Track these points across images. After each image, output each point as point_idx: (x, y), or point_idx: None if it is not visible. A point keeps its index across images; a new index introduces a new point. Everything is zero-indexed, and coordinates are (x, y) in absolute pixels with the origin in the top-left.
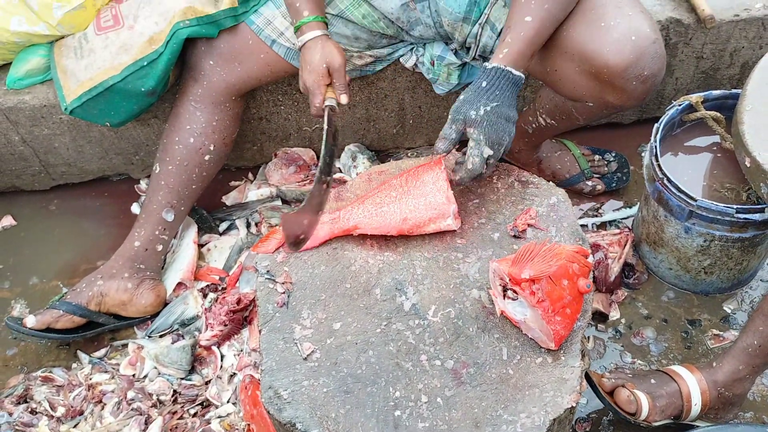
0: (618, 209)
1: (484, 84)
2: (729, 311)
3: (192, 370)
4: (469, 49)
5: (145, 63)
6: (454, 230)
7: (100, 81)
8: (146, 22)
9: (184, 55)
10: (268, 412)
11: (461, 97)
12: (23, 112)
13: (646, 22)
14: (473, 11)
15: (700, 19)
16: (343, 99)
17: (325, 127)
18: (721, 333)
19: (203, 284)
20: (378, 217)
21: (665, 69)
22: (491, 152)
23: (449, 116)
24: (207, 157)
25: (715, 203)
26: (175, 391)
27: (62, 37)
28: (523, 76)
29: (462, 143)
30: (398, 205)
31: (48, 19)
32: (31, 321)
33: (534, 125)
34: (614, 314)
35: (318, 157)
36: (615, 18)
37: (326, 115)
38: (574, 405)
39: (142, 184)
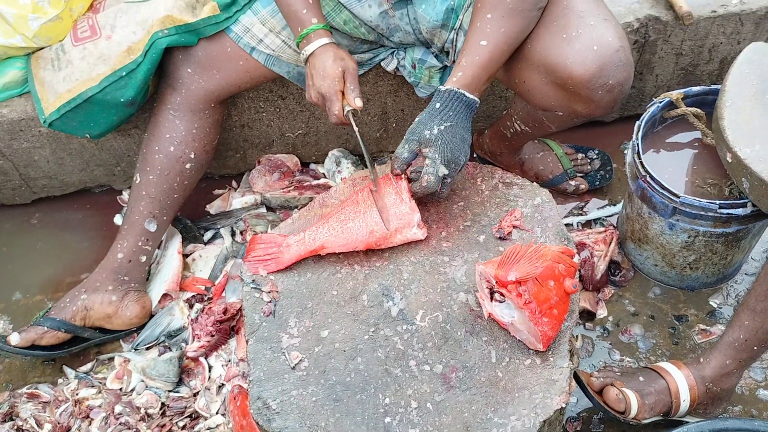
0: (602, 207)
1: (437, 105)
2: (715, 306)
3: (180, 382)
4: (448, 53)
5: (124, 73)
6: (422, 239)
7: (78, 92)
8: (124, 31)
9: (162, 63)
10: (258, 423)
11: (416, 119)
12: (1, 125)
13: (609, 31)
14: (451, 18)
15: (678, 16)
16: (358, 102)
17: (356, 129)
18: (708, 328)
19: (189, 295)
20: (344, 233)
21: (632, 76)
22: (446, 171)
23: (405, 136)
24: (188, 166)
25: (698, 199)
26: (163, 403)
27: (39, 49)
28: (477, 99)
29: None
30: (363, 219)
31: (24, 31)
32: (15, 338)
33: (512, 130)
34: (602, 312)
35: (362, 161)
36: (577, 28)
37: (352, 119)
38: (563, 406)
39: (125, 195)
